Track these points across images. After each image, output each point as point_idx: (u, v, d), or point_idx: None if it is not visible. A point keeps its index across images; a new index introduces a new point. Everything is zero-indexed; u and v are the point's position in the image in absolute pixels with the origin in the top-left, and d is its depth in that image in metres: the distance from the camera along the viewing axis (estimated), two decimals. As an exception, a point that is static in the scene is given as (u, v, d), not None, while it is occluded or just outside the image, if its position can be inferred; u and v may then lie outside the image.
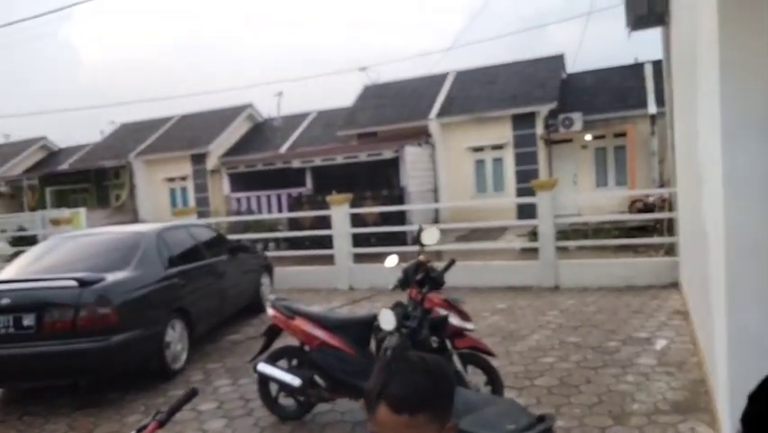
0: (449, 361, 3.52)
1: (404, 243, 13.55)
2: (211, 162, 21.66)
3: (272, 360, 4.28)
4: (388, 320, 2.65)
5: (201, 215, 17.46)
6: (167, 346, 5.50)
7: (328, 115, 22.78)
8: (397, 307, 2.88)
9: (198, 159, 21.82)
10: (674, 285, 7.61)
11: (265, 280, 8.38)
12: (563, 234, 13.61)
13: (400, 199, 15.43)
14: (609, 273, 8.15)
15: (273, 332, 4.40)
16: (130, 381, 5.33)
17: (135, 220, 21.05)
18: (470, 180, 18.23)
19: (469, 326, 3.98)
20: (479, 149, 18.01)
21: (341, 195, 9.86)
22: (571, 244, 9.91)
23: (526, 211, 10.08)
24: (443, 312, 3.83)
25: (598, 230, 13.39)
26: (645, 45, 25.14)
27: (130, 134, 25.09)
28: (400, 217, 14.45)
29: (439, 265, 4.02)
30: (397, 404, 1.08)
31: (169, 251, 6.09)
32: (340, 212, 9.59)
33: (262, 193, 18.01)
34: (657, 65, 13.52)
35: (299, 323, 4.09)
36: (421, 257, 3.66)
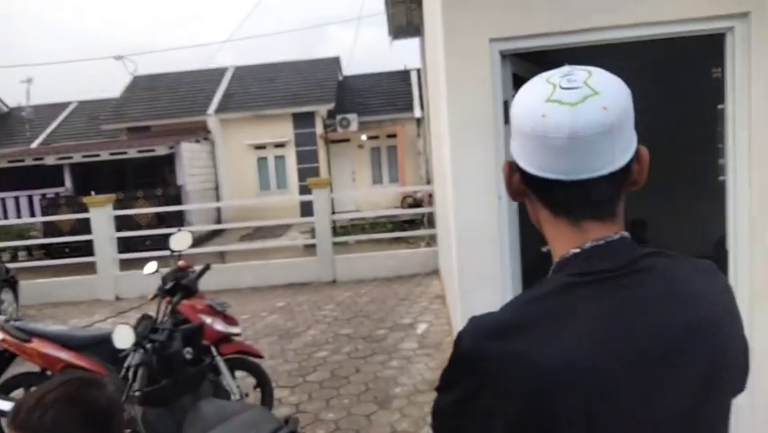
0: (211, 370, 3.38)
1: (183, 245, 12.86)
2: (-63, 159, 17.95)
3: (4, 391, 3.67)
4: (123, 338, 2.42)
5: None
6: None
7: (92, 106, 20.45)
8: (143, 320, 2.66)
9: None
10: (435, 272, 8.40)
11: (6, 296, 7.20)
12: (345, 229, 14.20)
13: (178, 199, 14.57)
14: (381, 265, 8.68)
15: (4, 359, 3.78)
16: None
17: None
18: (253, 178, 17.97)
19: (235, 330, 3.89)
20: (261, 146, 17.83)
21: (102, 195, 8.93)
22: (347, 238, 10.37)
23: (309, 208, 10.31)
24: (206, 319, 3.67)
25: (375, 224, 14.24)
26: (415, 53, 27.28)
27: None
28: (178, 218, 13.68)
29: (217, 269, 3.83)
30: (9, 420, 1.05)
31: None
32: (102, 214, 8.66)
33: (8, 195, 15.48)
34: (420, 72, 14.80)
35: (37, 345, 3.57)
36: (180, 262, 3.45)
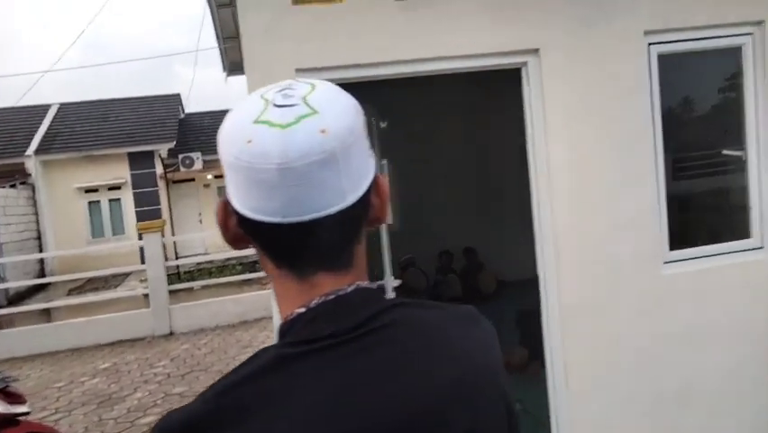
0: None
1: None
2: None
3: None
4: None
5: None
6: None
7: None
8: None
9: None
10: (283, 315, 8.07)
11: None
12: (190, 274, 13.32)
13: (-11, 252, 12.74)
14: (224, 311, 8.16)
15: None
16: None
17: None
18: (84, 224, 16.37)
19: (21, 409, 3.28)
20: (92, 189, 16.33)
21: None
22: (189, 285, 9.68)
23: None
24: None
25: (224, 267, 13.55)
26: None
27: None
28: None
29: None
30: None
31: None
32: None
33: None
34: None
35: None
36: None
